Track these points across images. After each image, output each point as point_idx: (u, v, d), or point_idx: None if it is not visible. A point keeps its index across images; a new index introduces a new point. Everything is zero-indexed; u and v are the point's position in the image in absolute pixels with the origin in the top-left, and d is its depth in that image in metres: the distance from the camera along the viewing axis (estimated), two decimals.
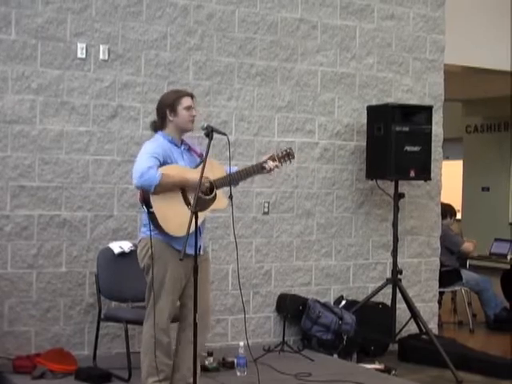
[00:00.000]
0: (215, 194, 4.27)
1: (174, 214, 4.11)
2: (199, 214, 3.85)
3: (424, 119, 6.19)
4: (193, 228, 3.74)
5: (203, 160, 3.95)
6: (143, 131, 5.62)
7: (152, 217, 4.11)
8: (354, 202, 6.54)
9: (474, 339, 7.15)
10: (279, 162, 4.50)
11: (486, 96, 11.61)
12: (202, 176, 3.86)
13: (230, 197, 4.08)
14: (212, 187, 4.26)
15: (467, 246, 7.77)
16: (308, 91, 6.33)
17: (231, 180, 4.30)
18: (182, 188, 4.17)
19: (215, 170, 4.31)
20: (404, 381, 5.35)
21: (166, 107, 4.29)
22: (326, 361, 5.66)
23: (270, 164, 4.45)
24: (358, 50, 6.54)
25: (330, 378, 5.07)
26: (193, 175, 4.10)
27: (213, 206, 4.29)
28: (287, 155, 4.56)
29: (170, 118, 4.29)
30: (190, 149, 4.39)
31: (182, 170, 4.21)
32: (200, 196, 3.96)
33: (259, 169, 4.46)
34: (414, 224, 6.81)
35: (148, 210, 4.11)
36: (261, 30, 6.12)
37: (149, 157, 4.11)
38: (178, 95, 4.33)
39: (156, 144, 4.24)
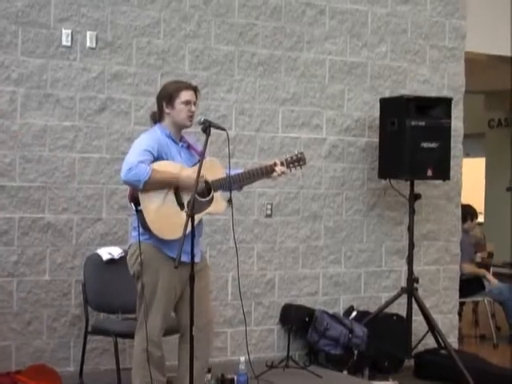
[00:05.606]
0: (212, 197, 4.24)
1: (165, 215, 4.10)
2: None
3: (442, 113, 6.23)
4: (186, 233, 3.74)
5: (200, 158, 3.94)
6: (134, 126, 5.65)
7: (141, 216, 4.10)
8: (365, 203, 6.55)
9: (497, 354, 7.15)
10: (288, 167, 4.44)
11: (510, 87, 11.55)
12: (198, 174, 3.85)
13: (230, 201, 4.06)
14: (209, 188, 4.23)
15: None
16: (315, 82, 6.34)
17: (232, 182, 4.26)
18: (175, 187, 4.16)
19: (215, 169, 4.29)
20: None
21: (163, 98, 4.29)
22: (334, 378, 5.66)
23: (280, 169, 4.38)
24: (369, 37, 6.55)
25: None
26: (187, 173, 4.09)
27: (209, 210, 4.26)
28: (298, 160, 4.48)
29: (167, 111, 4.29)
30: (189, 146, 4.38)
31: (177, 167, 4.19)
32: (195, 198, 3.94)
33: (267, 172, 4.39)
34: (431, 228, 6.82)
35: (136, 208, 4.10)
36: (263, 15, 6.13)
37: (141, 150, 4.12)
38: (178, 87, 4.31)
39: (151, 137, 4.24)
